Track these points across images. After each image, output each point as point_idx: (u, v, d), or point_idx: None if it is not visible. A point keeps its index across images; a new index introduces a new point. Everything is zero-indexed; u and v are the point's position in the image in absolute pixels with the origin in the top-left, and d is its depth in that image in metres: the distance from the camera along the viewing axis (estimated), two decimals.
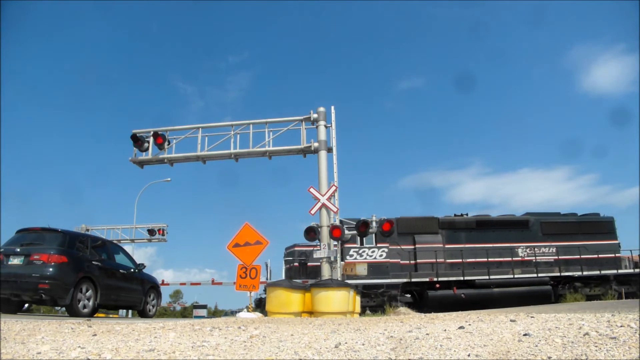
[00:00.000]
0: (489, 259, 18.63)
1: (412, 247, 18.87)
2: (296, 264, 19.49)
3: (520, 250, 19.37)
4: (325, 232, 11.36)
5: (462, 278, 17.94)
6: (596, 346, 2.89)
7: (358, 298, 10.48)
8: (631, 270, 19.52)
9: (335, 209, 11.39)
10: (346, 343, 3.34)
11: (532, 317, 4.83)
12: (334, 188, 11.54)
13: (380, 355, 2.91)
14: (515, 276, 18.26)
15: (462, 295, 17.62)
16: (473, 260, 18.79)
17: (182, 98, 74.33)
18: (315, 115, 12.42)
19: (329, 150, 12.12)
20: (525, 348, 2.94)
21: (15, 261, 8.33)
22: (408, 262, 18.57)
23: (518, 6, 63.71)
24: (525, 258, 19.23)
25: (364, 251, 18.02)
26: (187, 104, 73.69)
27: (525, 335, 3.37)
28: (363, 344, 3.28)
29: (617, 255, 19.87)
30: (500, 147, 70.09)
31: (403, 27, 71.72)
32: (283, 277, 19.58)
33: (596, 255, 19.37)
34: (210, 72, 75.85)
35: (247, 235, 10.13)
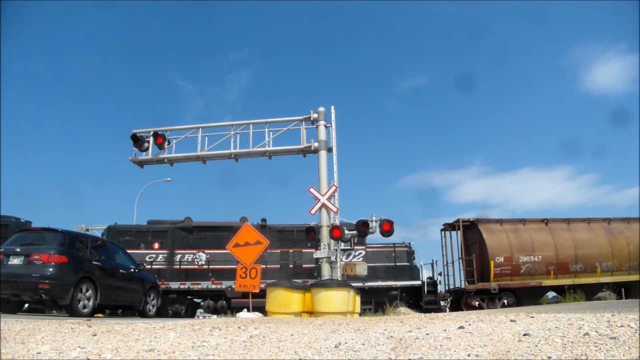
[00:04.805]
0: None
1: None
2: None
3: None
4: (325, 232, 11.36)
5: None
6: (596, 346, 2.89)
7: (358, 298, 10.48)
8: None
9: (335, 209, 11.39)
10: (346, 343, 3.34)
11: (532, 317, 4.83)
12: (334, 188, 11.54)
13: (380, 355, 2.91)
14: None
15: None
16: None
17: (182, 97, 74.29)
18: (315, 115, 12.42)
19: (329, 150, 12.12)
20: (525, 348, 2.94)
21: (15, 261, 8.32)
22: None
23: (519, 5, 63.72)
24: None
25: None
26: (187, 102, 73.67)
27: (525, 335, 3.37)
28: (363, 344, 3.28)
29: None
30: (501, 146, 70.03)
31: (405, 25, 71.76)
32: None
33: None
34: (210, 71, 75.80)
35: (247, 235, 10.14)
